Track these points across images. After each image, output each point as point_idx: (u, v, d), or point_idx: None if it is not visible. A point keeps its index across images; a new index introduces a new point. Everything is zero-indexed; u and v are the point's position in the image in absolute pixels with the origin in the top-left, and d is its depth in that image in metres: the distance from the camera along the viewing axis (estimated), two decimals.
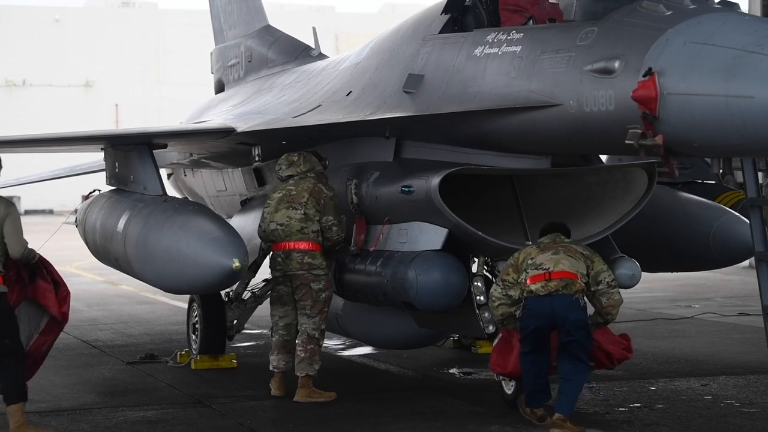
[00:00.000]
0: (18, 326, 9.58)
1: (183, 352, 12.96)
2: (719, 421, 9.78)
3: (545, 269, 9.25)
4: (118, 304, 19.93)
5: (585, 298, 9.38)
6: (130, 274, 12.17)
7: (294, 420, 10.06)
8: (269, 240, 11.06)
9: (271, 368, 11.20)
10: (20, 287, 9.67)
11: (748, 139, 7.43)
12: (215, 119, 14.49)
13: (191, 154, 14.54)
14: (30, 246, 9.57)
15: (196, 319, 12.91)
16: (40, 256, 9.84)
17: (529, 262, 9.34)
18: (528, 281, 9.29)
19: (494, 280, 9.85)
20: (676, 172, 8.20)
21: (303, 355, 10.98)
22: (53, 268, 9.96)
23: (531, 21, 9.52)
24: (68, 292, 9.96)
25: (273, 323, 11.26)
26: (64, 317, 9.96)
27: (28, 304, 9.80)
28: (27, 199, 70.85)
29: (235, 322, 12.98)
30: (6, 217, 9.43)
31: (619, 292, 9.47)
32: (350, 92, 11.31)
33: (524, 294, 9.27)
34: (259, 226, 11.22)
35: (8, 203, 9.51)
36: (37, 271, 9.77)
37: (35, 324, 9.92)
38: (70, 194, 46.49)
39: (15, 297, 9.62)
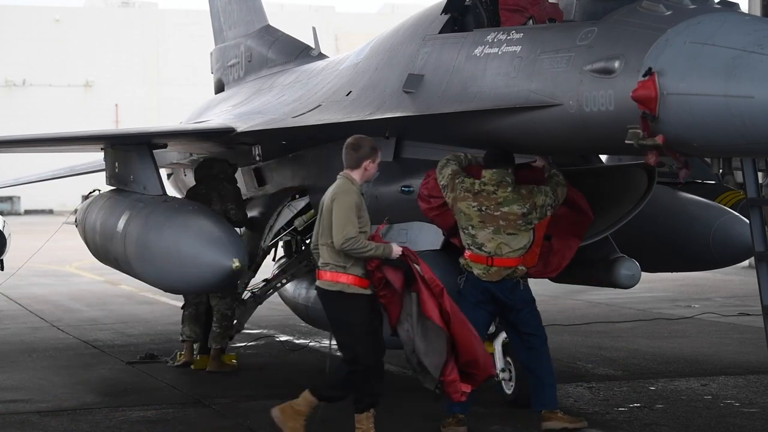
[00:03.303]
0: (364, 332, 8.70)
1: (183, 352, 12.96)
2: (719, 421, 9.79)
3: (487, 253, 9.30)
4: (118, 304, 19.94)
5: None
6: (130, 274, 12.17)
7: None
8: None
9: (185, 337, 12.78)
10: (393, 293, 8.75)
11: (748, 139, 7.42)
12: (215, 119, 14.50)
13: (191, 154, 14.54)
14: (352, 237, 8.54)
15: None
16: (407, 249, 8.82)
17: (470, 225, 9.32)
18: (468, 256, 9.37)
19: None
20: (684, 170, 8.12)
21: (218, 330, 12.56)
22: (423, 264, 8.91)
23: (531, 21, 9.51)
24: (441, 288, 8.81)
25: (186, 300, 12.83)
26: (446, 315, 8.84)
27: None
28: (27, 199, 71.04)
29: (235, 322, 13.00)
30: (333, 202, 8.71)
31: (561, 191, 9.43)
32: (350, 92, 11.31)
33: (463, 267, 9.36)
34: None
35: (336, 188, 8.75)
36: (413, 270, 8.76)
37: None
38: (70, 194, 46.57)
39: (397, 302, 8.77)
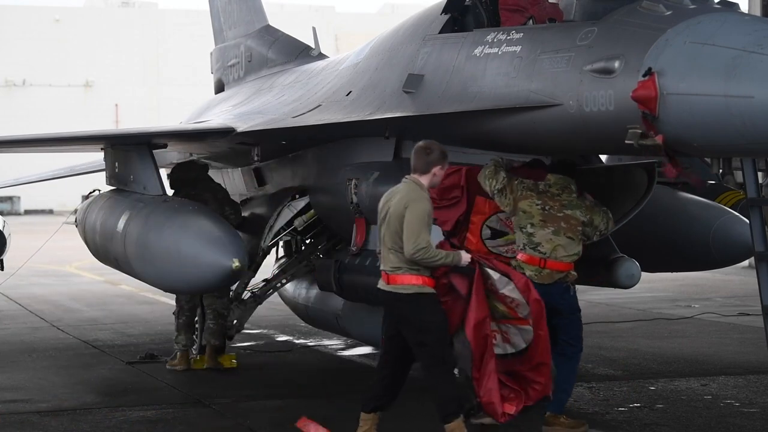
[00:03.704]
0: (444, 332, 8.58)
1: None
2: (719, 421, 9.79)
3: (541, 254, 9.29)
4: (118, 304, 19.94)
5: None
6: (130, 274, 12.17)
7: (294, 420, 10.04)
8: None
9: (180, 348, 12.71)
10: (455, 300, 8.67)
11: (748, 139, 7.42)
12: (215, 119, 14.50)
13: (191, 154, 14.54)
14: (424, 247, 8.34)
15: (196, 318, 12.92)
16: (476, 254, 8.76)
17: (529, 223, 9.31)
18: (520, 257, 9.35)
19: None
20: (691, 175, 8.14)
21: (213, 327, 12.73)
22: (496, 262, 8.85)
23: (531, 21, 9.51)
24: (525, 280, 8.75)
25: (179, 307, 12.78)
26: (536, 305, 8.71)
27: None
28: (27, 199, 71.05)
29: (235, 322, 13.01)
30: (406, 209, 8.46)
31: (611, 225, 9.53)
32: (350, 92, 11.30)
33: (515, 269, 9.31)
34: None
35: (407, 194, 8.52)
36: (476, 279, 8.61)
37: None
38: (70, 194, 46.54)
39: (457, 310, 8.63)
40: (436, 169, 8.64)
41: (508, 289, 8.76)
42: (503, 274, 8.79)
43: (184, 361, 12.70)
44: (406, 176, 8.69)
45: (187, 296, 12.80)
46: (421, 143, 8.74)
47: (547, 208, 9.36)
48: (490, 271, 8.74)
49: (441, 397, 8.56)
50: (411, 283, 8.50)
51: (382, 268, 8.67)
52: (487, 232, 9.63)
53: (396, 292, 8.55)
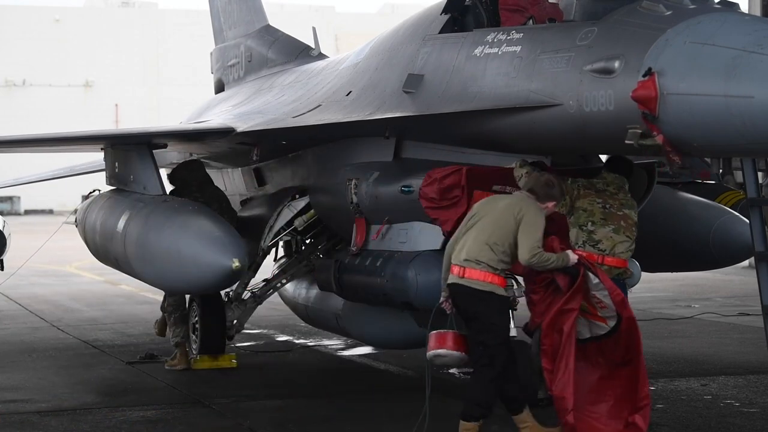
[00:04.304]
0: (507, 336, 8.68)
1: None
2: (719, 421, 9.79)
3: (600, 251, 9.44)
4: (118, 304, 19.95)
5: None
6: (130, 274, 12.18)
7: (294, 420, 10.06)
8: None
9: (178, 341, 12.72)
10: (551, 293, 8.78)
11: (748, 139, 7.42)
12: (215, 119, 14.50)
13: (191, 154, 14.54)
14: (538, 252, 8.51)
15: (196, 319, 12.93)
16: (582, 258, 8.79)
17: (590, 221, 9.42)
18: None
19: None
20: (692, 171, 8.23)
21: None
22: (599, 271, 8.84)
23: (531, 21, 9.51)
24: (621, 297, 8.83)
25: (170, 308, 12.85)
26: (629, 323, 8.85)
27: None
28: (27, 199, 71.10)
29: (235, 322, 13.01)
30: (523, 216, 8.61)
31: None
32: (350, 92, 11.30)
33: None
34: None
35: (525, 202, 8.67)
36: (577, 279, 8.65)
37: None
38: (70, 194, 46.61)
39: (546, 303, 8.76)
40: (550, 204, 8.80)
41: (602, 294, 8.83)
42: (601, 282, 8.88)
43: (184, 360, 12.70)
44: (523, 191, 8.83)
45: (172, 299, 12.85)
46: (548, 176, 8.88)
47: (607, 206, 9.53)
48: (591, 275, 8.81)
49: (473, 397, 8.66)
50: (486, 280, 8.61)
51: (453, 262, 8.75)
52: None
53: (469, 287, 8.63)
